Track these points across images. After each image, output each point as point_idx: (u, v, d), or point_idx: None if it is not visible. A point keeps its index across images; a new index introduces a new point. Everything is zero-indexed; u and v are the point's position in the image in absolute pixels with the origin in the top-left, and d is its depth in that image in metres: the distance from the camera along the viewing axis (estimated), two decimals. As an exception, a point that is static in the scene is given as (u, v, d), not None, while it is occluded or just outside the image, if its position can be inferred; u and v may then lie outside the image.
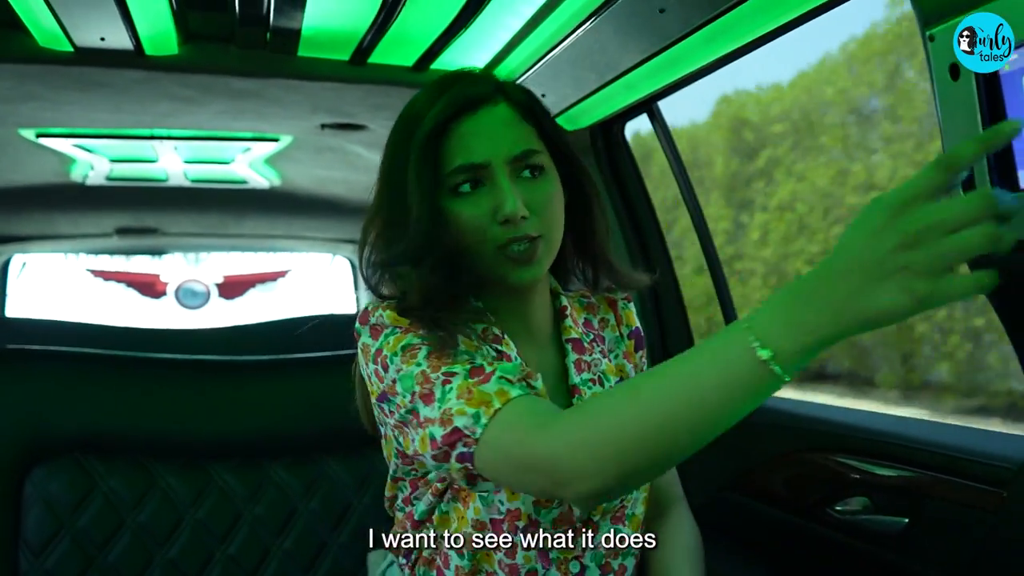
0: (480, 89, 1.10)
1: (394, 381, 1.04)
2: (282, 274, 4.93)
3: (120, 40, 1.58)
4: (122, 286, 4.86)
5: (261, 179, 3.19)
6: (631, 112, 1.84)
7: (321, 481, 1.91)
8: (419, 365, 1.03)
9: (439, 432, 0.98)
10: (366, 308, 1.13)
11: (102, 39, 1.58)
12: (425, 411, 1.00)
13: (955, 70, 0.87)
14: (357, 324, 1.13)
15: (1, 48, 1.67)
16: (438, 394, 1.00)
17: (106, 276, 4.84)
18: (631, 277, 1.23)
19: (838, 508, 1.38)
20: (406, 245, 1.07)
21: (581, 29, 1.40)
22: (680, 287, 2.06)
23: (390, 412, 1.07)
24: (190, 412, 1.90)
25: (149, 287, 4.82)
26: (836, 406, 1.73)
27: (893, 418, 1.44)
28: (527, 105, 1.13)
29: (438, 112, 1.07)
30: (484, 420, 0.95)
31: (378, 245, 1.15)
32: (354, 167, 2.85)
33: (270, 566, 1.86)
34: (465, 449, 0.96)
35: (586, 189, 1.18)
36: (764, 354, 0.74)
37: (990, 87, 0.84)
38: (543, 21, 1.47)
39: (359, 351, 1.14)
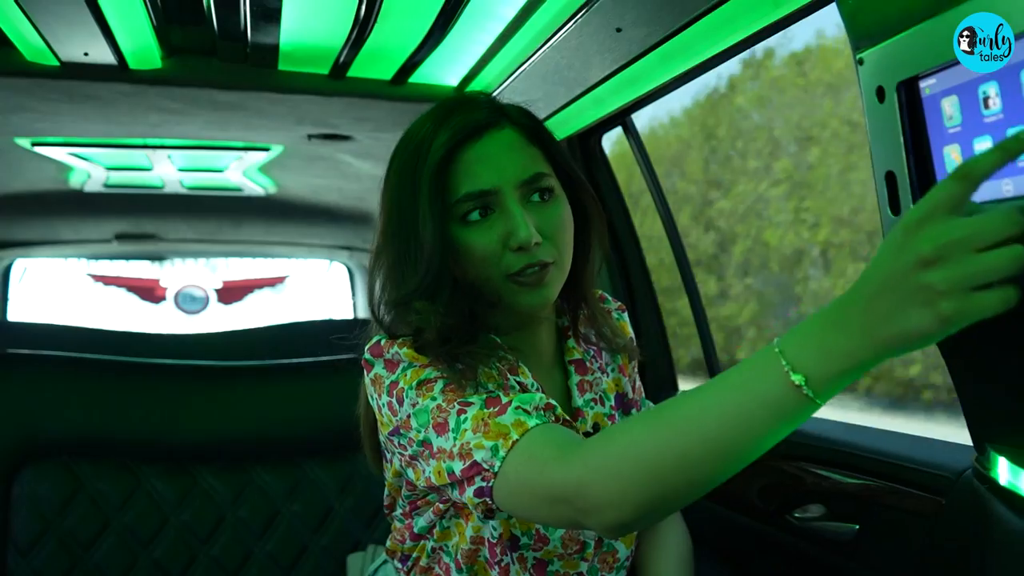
0: (483, 115, 1.07)
1: (409, 416, 1.02)
2: (280, 279, 4.95)
3: (103, 55, 1.61)
4: (122, 291, 4.88)
5: (256, 187, 3.21)
6: (606, 124, 1.88)
7: (303, 484, 1.93)
8: (434, 399, 1.00)
9: (458, 466, 0.95)
10: (378, 340, 1.10)
11: (86, 54, 1.61)
12: (439, 441, 0.98)
13: (880, 92, 0.90)
14: (368, 355, 1.10)
15: None
16: (452, 424, 0.97)
17: (106, 281, 4.86)
18: (611, 338, 1.22)
19: (796, 515, 1.40)
20: (421, 279, 1.04)
21: (547, 45, 1.44)
22: (656, 296, 2.08)
23: (402, 446, 1.04)
24: (176, 416, 1.92)
25: (149, 292, 4.83)
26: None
27: (847, 426, 1.46)
28: (532, 128, 1.10)
29: (443, 143, 1.04)
30: (502, 452, 0.91)
31: (390, 283, 1.10)
32: (345, 176, 2.89)
33: (252, 568, 1.89)
34: (484, 484, 0.93)
35: (589, 212, 1.14)
36: (797, 379, 0.72)
37: (911, 108, 0.87)
38: (512, 37, 1.51)
39: (369, 382, 1.10)
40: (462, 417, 0.96)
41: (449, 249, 1.05)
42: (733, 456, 0.77)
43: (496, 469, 0.91)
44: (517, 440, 0.91)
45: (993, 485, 0.88)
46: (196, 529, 1.88)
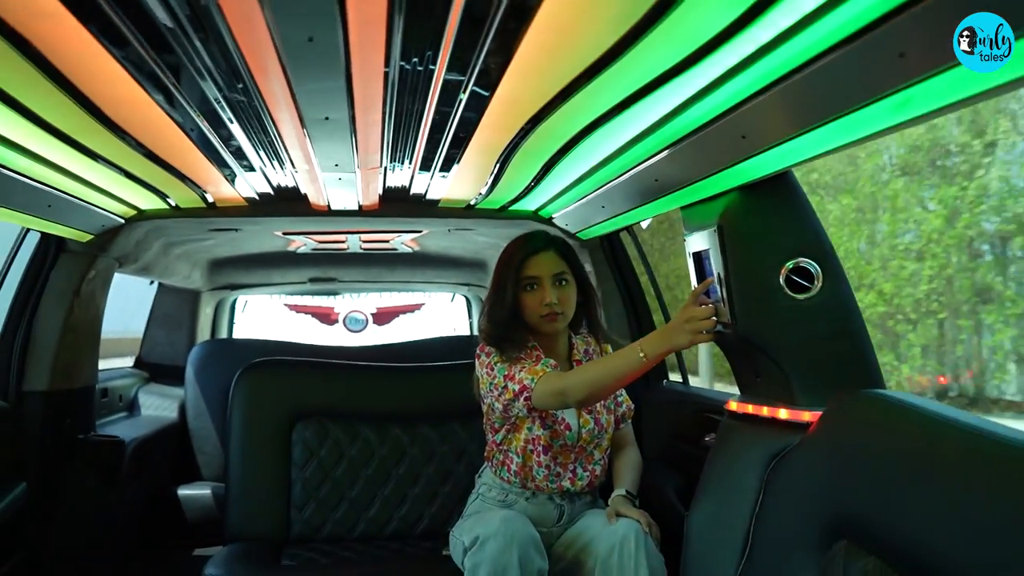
0: (542, 244, 2.37)
1: (495, 372, 2.30)
2: (419, 306, 5.98)
3: (351, 204, 2.89)
4: (308, 316, 6.03)
5: (406, 247, 4.36)
6: (622, 229, 3.14)
7: (449, 435, 3.08)
8: (505, 364, 2.29)
9: (516, 387, 2.24)
10: (480, 345, 2.41)
11: (345, 206, 2.91)
12: (508, 383, 2.25)
13: (687, 255, 2.19)
14: (478, 351, 2.41)
15: (290, 210, 2.94)
16: (514, 373, 2.25)
17: (297, 309, 6.01)
18: (610, 337, 2.51)
19: (707, 439, 2.59)
20: (506, 312, 2.33)
21: (598, 191, 2.56)
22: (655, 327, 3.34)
23: (492, 389, 2.32)
24: (371, 395, 3.09)
25: (326, 317, 5.98)
26: (712, 389, 2.95)
27: (722, 393, 2.70)
28: (563, 250, 2.39)
29: (522, 256, 2.34)
30: (535, 380, 2.17)
31: (492, 312, 2.35)
32: (467, 240, 4.04)
33: (420, 483, 3.03)
34: (527, 394, 2.22)
35: (589, 291, 2.44)
36: (642, 354, 2.01)
37: (698, 262, 2.15)
38: (574, 188, 2.66)
39: (477, 363, 2.42)
40: (519, 370, 2.25)
41: (517, 300, 2.30)
42: (612, 383, 2.10)
43: (532, 387, 2.21)
44: (541, 375, 2.19)
45: (732, 412, 2.16)
46: (390, 460, 3.03)
